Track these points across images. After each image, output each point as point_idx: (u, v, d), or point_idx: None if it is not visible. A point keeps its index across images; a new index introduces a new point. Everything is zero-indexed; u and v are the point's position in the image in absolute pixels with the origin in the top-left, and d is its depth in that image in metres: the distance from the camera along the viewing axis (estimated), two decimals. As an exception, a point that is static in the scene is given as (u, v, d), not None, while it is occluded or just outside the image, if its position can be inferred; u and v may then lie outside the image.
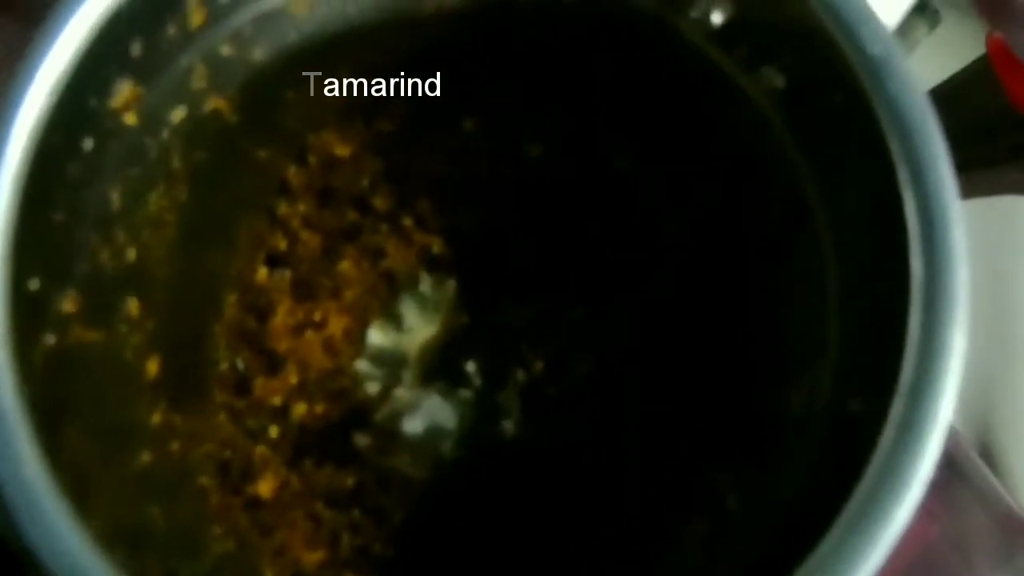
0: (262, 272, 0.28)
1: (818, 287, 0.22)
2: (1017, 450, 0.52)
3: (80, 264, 0.21)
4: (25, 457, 0.18)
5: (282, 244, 0.28)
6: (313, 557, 0.25)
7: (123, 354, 0.22)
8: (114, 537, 0.18)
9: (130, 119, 0.22)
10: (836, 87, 0.21)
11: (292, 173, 0.27)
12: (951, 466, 0.44)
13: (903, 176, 0.19)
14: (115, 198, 0.22)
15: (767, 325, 0.24)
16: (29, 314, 0.19)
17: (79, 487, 0.18)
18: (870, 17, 0.20)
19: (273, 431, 0.27)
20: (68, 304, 0.21)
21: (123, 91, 0.21)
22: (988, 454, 0.51)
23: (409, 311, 0.29)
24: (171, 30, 0.22)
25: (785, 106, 0.22)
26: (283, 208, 0.27)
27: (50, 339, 0.20)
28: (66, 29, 0.20)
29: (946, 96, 0.54)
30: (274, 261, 0.28)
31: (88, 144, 0.21)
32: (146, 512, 0.20)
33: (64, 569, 0.17)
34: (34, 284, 0.20)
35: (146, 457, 0.22)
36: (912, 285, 0.19)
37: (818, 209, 0.23)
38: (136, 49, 0.21)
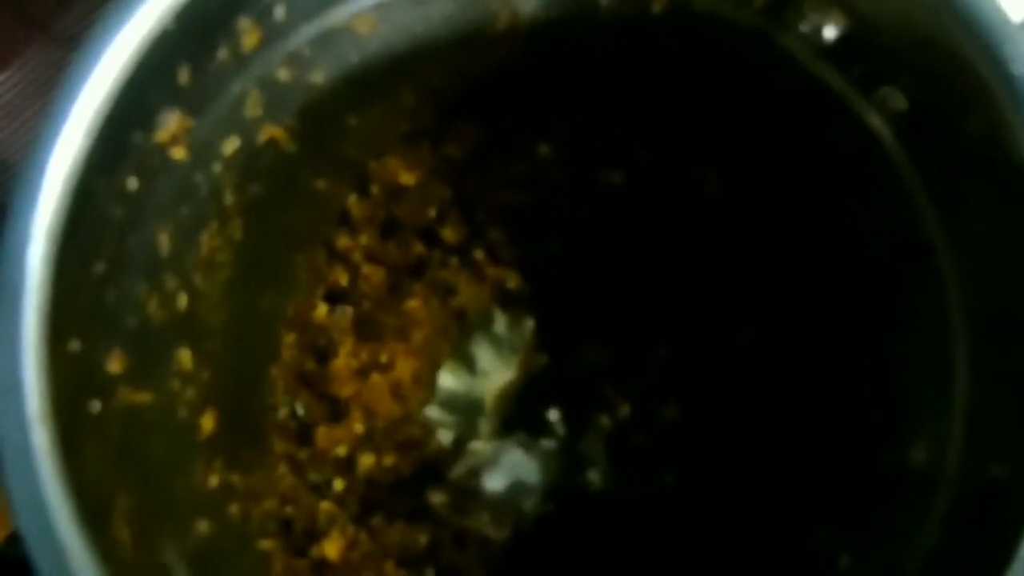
0: (322, 309, 0.25)
1: (940, 331, 0.20)
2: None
3: (126, 318, 0.19)
4: (77, 563, 0.15)
5: (343, 279, 0.25)
6: (384, 622, 0.22)
7: (176, 412, 0.20)
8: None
9: (179, 153, 0.19)
10: (970, 111, 0.18)
11: (353, 203, 0.25)
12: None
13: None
14: (164, 241, 0.20)
15: (879, 371, 0.21)
16: (71, 379, 0.17)
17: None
18: (1014, 33, 0.17)
19: (338, 484, 0.24)
20: (114, 364, 0.18)
21: (170, 123, 0.19)
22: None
23: (483, 352, 0.26)
24: (222, 54, 0.19)
25: (906, 131, 0.19)
26: (343, 241, 0.25)
27: (95, 406, 0.17)
28: (107, 54, 0.17)
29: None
30: (335, 298, 0.25)
31: (133, 184, 0.18)
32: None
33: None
34: (75, 345, 0.17)
35: (204, 527, 0.19)
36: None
37: (940, 245, 0.20)
38: (184, 76, 0.19)
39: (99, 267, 0.18)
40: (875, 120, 0.20)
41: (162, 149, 0.19)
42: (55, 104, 0.17)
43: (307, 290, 0.25)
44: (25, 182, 0.17)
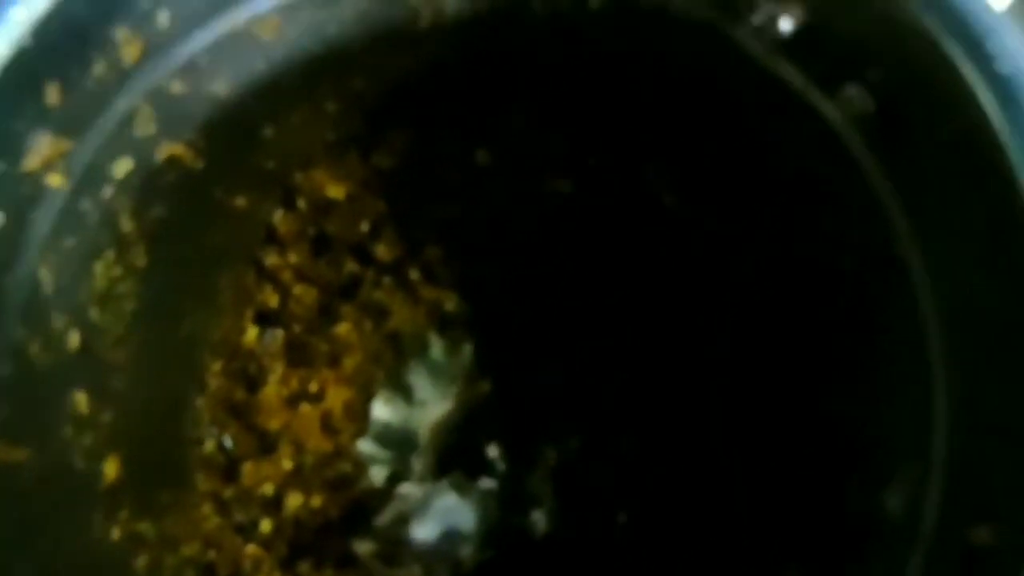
0: (251, 333, 0.23)
1: (916, 354, 0.17)
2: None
3: None
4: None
5: (272, 300, 0.23)
6: None
7: (70, 463, 0.18)
8: None
9: (55, 180, 0.17)
10: (946, 114, 0.15)
11: (279, 219, 0.22)
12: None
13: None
14: (46, 277, 0.17)
15: (854, 399, 0.19)
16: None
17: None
18: (997, 25, 0.15)
19: (265, 526, 0.22)
20: (-17, 418, 0.16)
21: (41, 147, 0.17)
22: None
23: (419, 381, 0.24)
24: (99, 68, 0.17)
25: (875, 135, 0.17)
26: (272, 259, 0.23)
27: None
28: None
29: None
30: (264, 319, 0.23)
31: (-1, 219, 0.16)
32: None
33: None
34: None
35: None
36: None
37: (914, 260, 0.17)
38: (53, 95, 0.16)
39: (-41, 313, 0.16)
40: (841, 122, 0.18)
41: (34, 177, 0.17)
42: None
43: (235, 312, 0.23)
44: None
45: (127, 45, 0.17)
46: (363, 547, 0.22)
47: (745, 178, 0.20)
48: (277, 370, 0.23)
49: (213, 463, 0.23)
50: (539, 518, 0.23)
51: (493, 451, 0.23)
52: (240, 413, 0.23)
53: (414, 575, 0.22)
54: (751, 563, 0.20)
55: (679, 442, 0.22)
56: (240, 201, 0.22)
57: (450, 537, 0.23)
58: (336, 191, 0.23)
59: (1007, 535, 0.14)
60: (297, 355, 0.23)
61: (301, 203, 0.23)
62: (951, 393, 0.17)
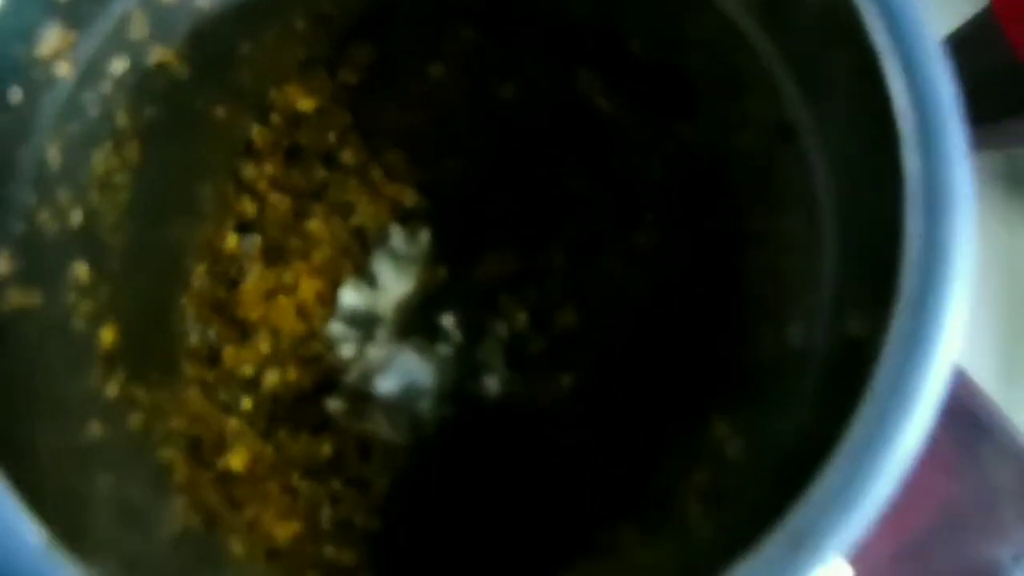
0: (232, 240, 0.26)
1: (811, 208, 0.20)
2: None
3: (14, 223, 0.20)
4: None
5: (251, 209, 0.26)
6: (287, 531, 0.23)
7: (71, 322, 0.21)
8: (55, 503, 0.17)
9: (63, 70, 0.20)
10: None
11: (256, 133, 0.25)
12: (974, 423, 0.42)
13: (891, 67, 0.17)
14: (54, 156, 0.20)
15: (759, 257, 0.22)
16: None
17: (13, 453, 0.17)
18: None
19: (246, 403, 0.25)
20: (2, 264, 0.19)
21: (51, 38, 0.20)
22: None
23: (383, 268, 0.27)
24: (100, -29, 0.20)
25: (765, 18, 0.20)
26: (249, 171, 0.26)
27: (-22, 300, 0.18)
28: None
29: (951, 50, 0.51)
30: (244, 227, 0.26)
31: (16, 96, 0.19)
32: (93, 484, 0.19)
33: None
34: (-42, 242, 0.18)
35: (96, 429, 0.20)
36: (909, 185, 0.17)
37: (803, 123, 0.20)
38: (61, -9, 0.20)
39: (-19, 173, 0.19)
40: (738, 13, 0.21)
41: (45, 64, 0.20)
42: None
43: (217, 220, 0.26)
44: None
45: None
46: (333, 405, 0.25)
47: (662, 77, 0.23)
48: (255, 270, 0.26)
49: (198, 354, 0.25)
50: (491, 383, 0.26)
51: (447, 321, 0.26)
52: (221, 308, 0.26)
53: (379, 425, 0.25)
54: (682, 418, 0.23)
55: (612, 314, 0.25)
56: (220, 113, 0.25)
57: (410, 391, 0.25)
58: (306, 105, 0.26)
59: (875, 321, 0.18)
60: (274, 255, 0.26)
61: (275, 118, 0.26)
62: (835, 229, 0.20)
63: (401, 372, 0.26)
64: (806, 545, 0.16)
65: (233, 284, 0.26)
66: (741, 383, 0.22)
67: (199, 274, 0.26)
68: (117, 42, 0.21)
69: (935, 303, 0.16)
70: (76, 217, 0.21)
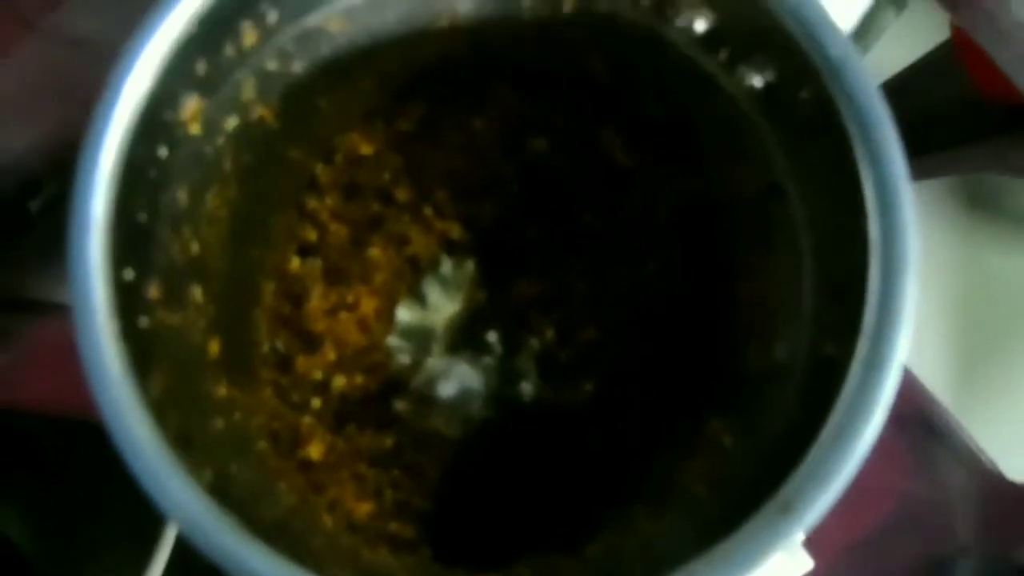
0: (295, 262, 0.32)
1: (795, 253, 0.27)
2: (989, 419, 0.58)
3: (159, 257, 0.25)
4: (138, 421, 0.22)
5: (312, 235, 0.32)
6: (363, 509, 0.29)
7: (193, 336, 0.27)
8: (213, 487, 0.23)
9: (195, 128, 0.26)
10: (803, 84, 0.25)
11: (320, 170, 0.31)
12: (928, 428, 0.49)
13: (861, 156, 0.24)
14: (183, 198, 0.26)
15: (749, 288, 0.29)
16: (127, 300, 0.24)
17: (182, 444, 0.23)
18: (829, 23, 0.25)
19: (316, 403, 0.31)
20: (153, 291, 0.25)
21: (190, 104, 0.26)
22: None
23: (433, 291, 0.33)
24: (229, 50, 0.26)
25: (761, 101, 0.27)
26: (312, 203, 0.32)
27: (144, 321, 0.24)
28: (144, 52, 0.24)
29: (912, 80, 0.59)
30: (305, 251, 0.32)
31: (163, 152, 0.25)
32: (229, 468, 0.25)
33: (181, 517, 0.22)
34: (128, 274, 0.24)
35: (220, 423, 0.26)
36: (871, 246, 0.24)
37: (791, 189, 0.27)
38: (201, 68, 0.25)
39: (141, 216, 0.25)
40: (738, 91, 0.28)
41: (184, 125, 0.25)
42: (106, 90, 0.24)
43: (283, 245, 0.32)
44: (87, 150, 0.24)
45: (247, 35, 0.26)
46: (401, 405, 0.31)
47: (676, 140, 0.30)
48: (318, 289, 0.32)
49: (270, 360, 0.31)
50: (527, 388, 0.32)
51: (491, 337, 0.33)
52: (289, 322, 0.32)
53: (440, 423, 0.31)
54: (682, 417, 0.30)
55: (627, 331, 0.32)
56: (294, 154, 0.31)
57: (465, 395, 0.32)
58: (366, 149, 0.32)
59: (843, 347, 0.24)
60: (334, 277, 0.32)
61: (338, 158, 0.32)
62: (813, 271, 0.27)
63: (458, 379, 0.32)
64: (793, 510, 0.23)
65: (298, 302, 0.32)
66: (735, 388, 0.29)
67: (269, 292, 0.31)
68: (232, 104, 0.27)
69: (890, 335, 0.23)
70: (195, 248, 0.27)
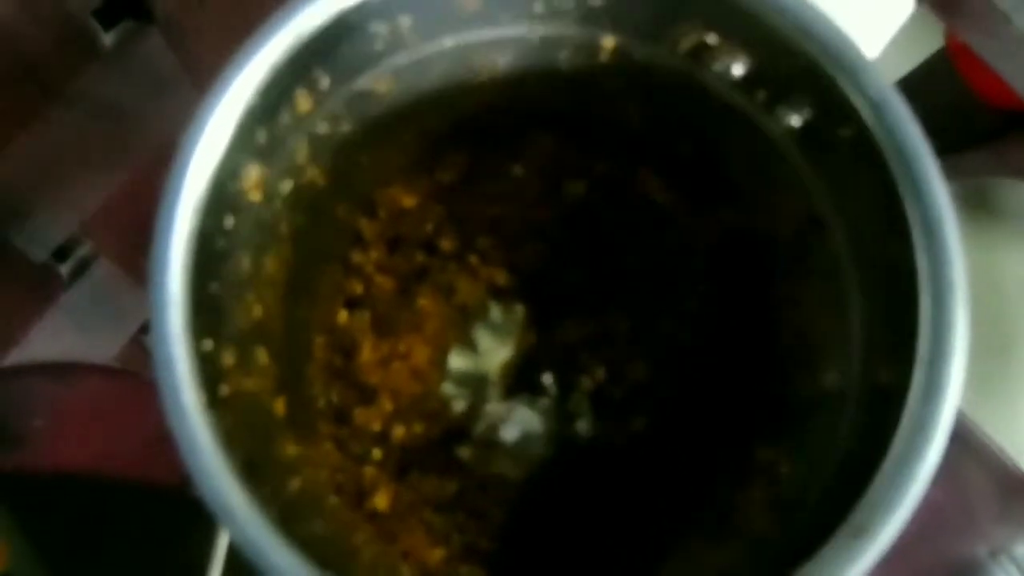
0: (343, 315, 0.34)
1: (838, 283, 0.29)
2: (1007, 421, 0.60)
3: (228, 324, 0.27)
4: (232, 489, 0.24)
5: (358, 288, 0.34)
6: (436, 555, 0.31)
7: (263, 398, 0.28)
8: (306, 550, 0.24)
9: (255, 196, 0.28)
10: (842, 122, 0.27)
11: (364, 225, 0.33)
12: (952, 435, 0.51)
13: (905, 190, 0.26)
14: (246, 264, 0.28)
15: (792, 319, 0.31)
16: (208, 370, 0.25)
17: (272, 505, 0.24)
18: (865, 62, 0.27)
19: (376, 453, 0.33)
20: (228, 359, 0.27)
21: (252, 173, 0.27)
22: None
23: (483, 337, 0.35)
24: (285, 118, 0.28)
25: (799, 139, 0.29)
26: (357, 257, 0.34)
27: (224, 389, 0.26)
28: (210, 126, 0.26)
29: (910, 87, 0.61)
30: (352, 304, 0.34)
31: (230, 222, 0.27)
32: (314, 528, 0.26)
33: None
34: (207, 345, 0.26)
35: (296, 483, 0.28)
36: (920, 277, 0.26)
37: (832, 222, 0.29)
38: (261, 137, 0.27)
39: (213, 287, 0.26)
40: (776, 132, 0.30)
41: (246, 194, 0.27)
42: (176, 166, 0.26)
43: (329, 300, 0.34)
44: (161, 226, 0.25)
45: (301, 101, 0.28)
46: (464, 452, 0.33)
47: (712, 178, 0.32)
48: (368, 341, 0.34)
49: (327, 414, 0.33)
50: (582, 426, 0.34)
51: (546, 379, 0.35)
52: (342, 375, 0.34)
53: (505, 467, 0.33)
54: (733, 446, 0.32)
55: (673, 365, 0.34)
56: (341, 211, 0.33)
57: (527, 438, 0.34)
58: (408, 201, 0.34)
59: (899, 375, 0.26)
60: (383, 328, 0.34)
61: (381, 212, 0.34)
62: (860, 299, 0.29)
63: (520, 423, 0.34)
64: (867, 534, 0.25)
65: (349, 354, 0.33)
66: (784, 417, 0.31)
67: (320, 346, 0.33)
68: (287, 168, 0.29)
69: (946, 362, 0.25)
70: (257, 312, 0.29)
